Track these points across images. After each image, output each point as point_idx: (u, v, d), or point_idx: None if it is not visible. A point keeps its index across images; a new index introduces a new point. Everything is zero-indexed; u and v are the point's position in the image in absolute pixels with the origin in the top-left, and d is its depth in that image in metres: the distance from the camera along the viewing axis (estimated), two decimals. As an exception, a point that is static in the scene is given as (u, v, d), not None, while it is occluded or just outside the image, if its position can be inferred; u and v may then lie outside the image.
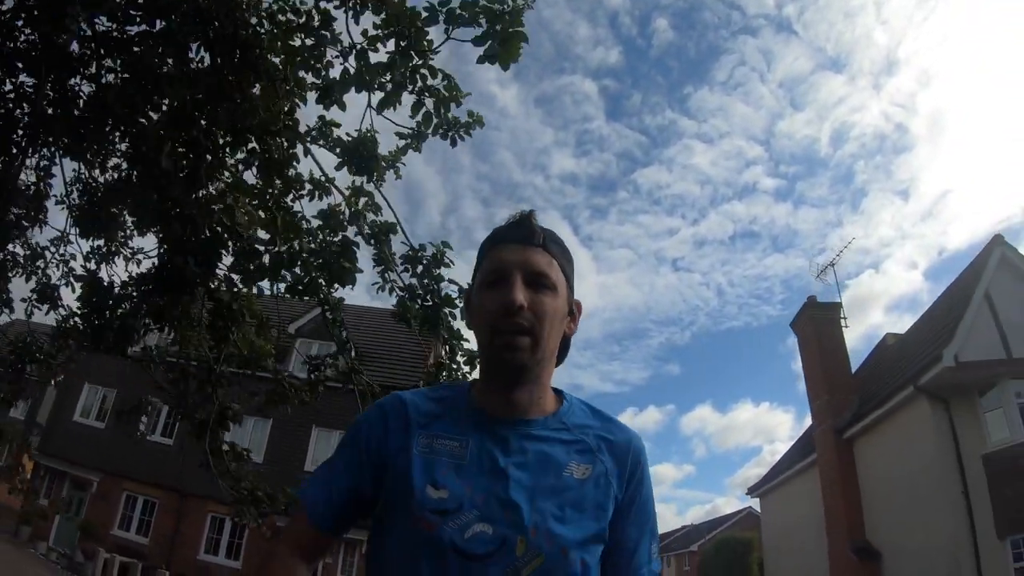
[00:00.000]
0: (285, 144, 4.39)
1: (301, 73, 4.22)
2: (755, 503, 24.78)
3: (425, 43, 3.64)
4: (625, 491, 1.12)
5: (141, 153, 4.26)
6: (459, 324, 4.46)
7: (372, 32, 3.70)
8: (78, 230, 5.67)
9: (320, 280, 4.48)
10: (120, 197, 5.15)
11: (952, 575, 11.60)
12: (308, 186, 4.73)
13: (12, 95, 4.42)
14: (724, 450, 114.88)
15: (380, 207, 4.64)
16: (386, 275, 4.60)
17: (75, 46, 4.43)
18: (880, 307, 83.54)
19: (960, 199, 75.59)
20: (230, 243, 4.26)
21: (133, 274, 5.16)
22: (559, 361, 1.20)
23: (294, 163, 4.51)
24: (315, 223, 4.54)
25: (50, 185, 5.55)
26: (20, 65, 4.27)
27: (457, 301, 4.38)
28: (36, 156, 5.32)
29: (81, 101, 4.53)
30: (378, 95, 3.91)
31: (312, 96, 4.18)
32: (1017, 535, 11.15)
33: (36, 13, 4.04)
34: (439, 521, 1.01)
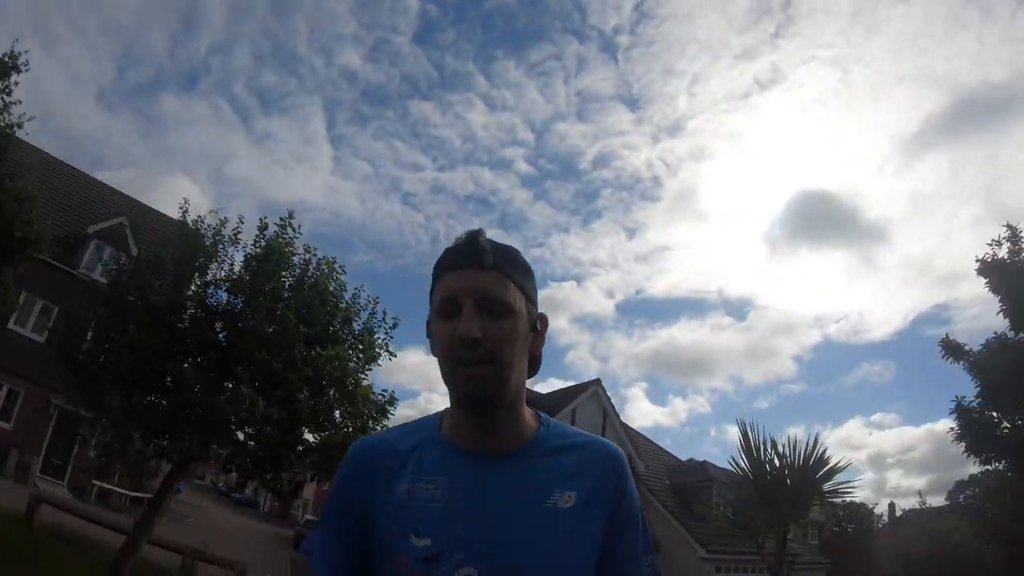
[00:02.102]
0: None
1: None
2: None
3: None
4: (614, 509, 1.08)
5: None
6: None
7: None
8: None
9: None
10: None
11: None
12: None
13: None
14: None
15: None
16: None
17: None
18: (568, 316, 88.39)
19: (673, 259, 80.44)
20: None
21: None
22: (530, 374, 1.16)
23: None
24: None
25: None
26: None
27: None
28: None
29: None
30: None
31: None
32: None
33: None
34: (426, 569, 0.99)
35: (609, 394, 23.46)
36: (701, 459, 27.04)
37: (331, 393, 8.81)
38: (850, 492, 10.49)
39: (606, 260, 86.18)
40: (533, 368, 1.15)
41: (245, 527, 26.10)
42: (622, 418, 23.78)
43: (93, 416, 8.54)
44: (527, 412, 1.13)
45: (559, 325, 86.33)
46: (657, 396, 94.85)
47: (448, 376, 1.05)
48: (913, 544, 28.98)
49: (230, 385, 7.98)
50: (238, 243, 9.10)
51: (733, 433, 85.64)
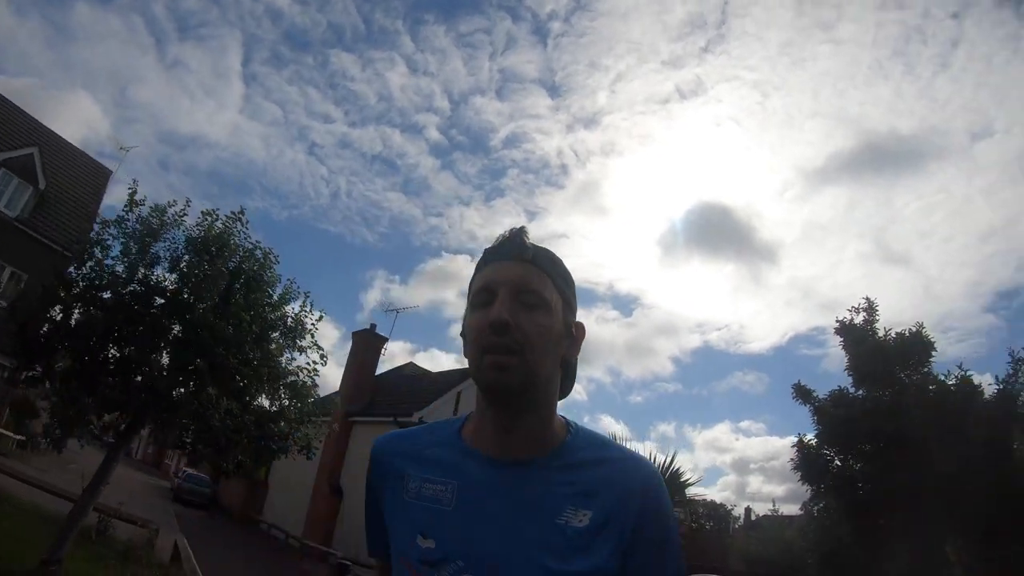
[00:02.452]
0: None
1: None
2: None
3: None
4: (633, 538, 0.99)
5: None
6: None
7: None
8: None
9: None
10: None
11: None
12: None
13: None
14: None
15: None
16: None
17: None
18: (457, 289, 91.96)
19: (569, 247, 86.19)
20: None
21: None
22: (564, 390, 1.12)
23: None
24: None
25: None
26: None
27: None
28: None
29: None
30: None
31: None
32: None
33: None
34: (428, 572, 0.99)
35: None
36: None
37: (281, 392, 9.48)
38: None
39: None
40: (568, 379, 1.13)
41: (127, 477, 25.98)
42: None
43: (39, 374, 8.77)
44: (556, 420, 1.08)
45: (447, 297, 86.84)
46: None
47: (474, 365, 1.02)
48: (762, 546, 31.90)
49: (191, 380, 8.48)
50: (180, 225, 9.23)
51: (606, 423, 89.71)
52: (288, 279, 9.91)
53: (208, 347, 8.37)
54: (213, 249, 8.98)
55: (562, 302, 1.08)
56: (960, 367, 16.91)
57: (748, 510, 48.64)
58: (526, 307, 1.02)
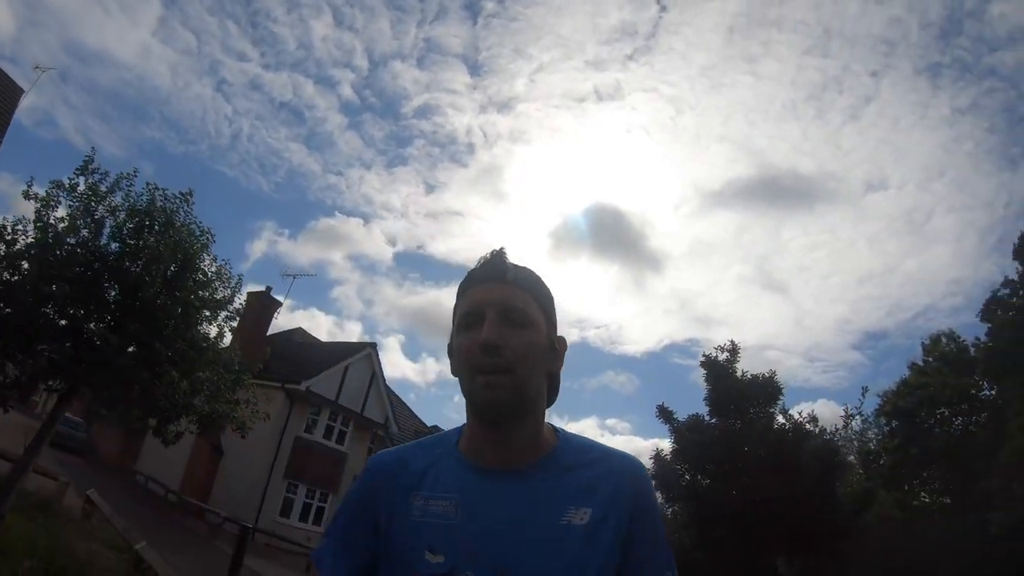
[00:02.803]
0: None
1: None
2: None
3: None
4: (630, 528, 1.05)
5: None
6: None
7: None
8: None
9: None
10: None
11: (259, 471, 20.88)
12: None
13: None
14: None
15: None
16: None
17: None
18: (345, 251, 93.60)
19: (462, 225, 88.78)
20: None
21: None
22: (550, 400, 1.16)
23: None
24: None
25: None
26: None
27: None
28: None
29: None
30: None
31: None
32: (292, 479, 21.90)
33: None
34: None
35: (367, 338, 25.72)
36: (443, 424, 29.74)
37: (220, 371, 10.03)
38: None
39: (398, 207, 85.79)
40: (552, 390, 1.16)
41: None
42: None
43: None
44: (545, 428, 1.13)
45: (334, 259, 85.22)
46: (412, 351, 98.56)
47: (466, 385, 1.07)
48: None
49: (140, 354, 8.79)
50: (116, 192, 9.29)
51: None
52: (224, 261, 10.30)
53: (158, 326, 8.72)
54: (157, 225, 9.18)
55: (545, 319, 1.13)
56: (800, 415, 19.89)
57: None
58: (512, 326, 1.06)
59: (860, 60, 78.92)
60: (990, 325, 23.19)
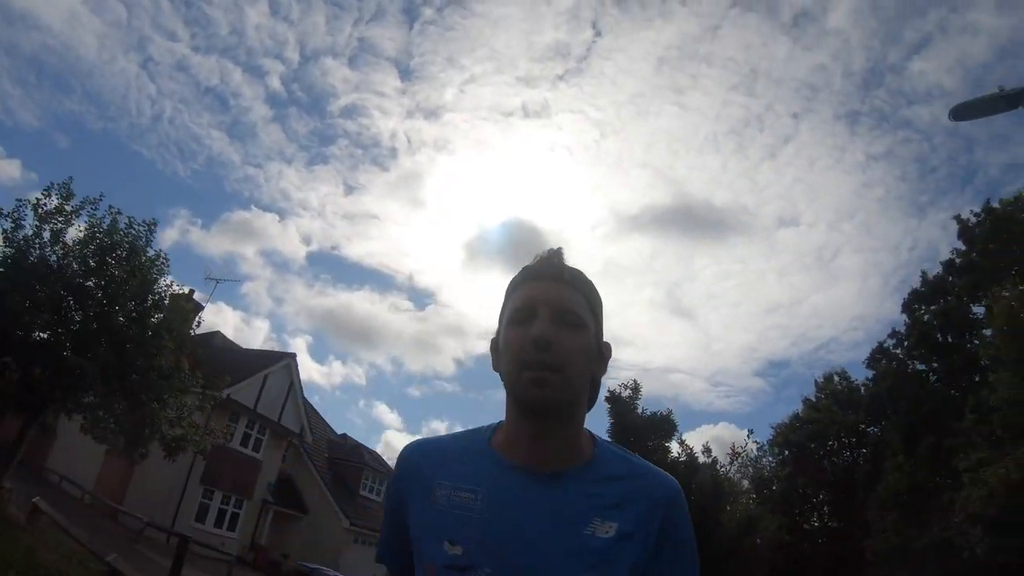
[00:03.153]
0: None
1: None
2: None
3: None
4: (657, 549, 1.04)
5: None
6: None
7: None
8: None
9: None
10: None
11: (176, 475, 20.36)
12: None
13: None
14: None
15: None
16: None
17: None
18: (258, 247, 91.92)
19: (379, 229, 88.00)
20: None
21: None
22: (589, 405, 1.15)
23: None
24: None
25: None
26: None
27: None
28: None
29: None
30: None
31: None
32: (208, 485, 22.02)
33: None
34: None
35: (275, 337, 25.92)
36: (352, 433, 31.13)
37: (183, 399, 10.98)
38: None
39: (315, 206, 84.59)
40: (593, 397, 1.16)
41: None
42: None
43: None
44: (583, 434, 1.12)
45: (246, 253, 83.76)
46: (319, 353, 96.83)
47: (512, 380, 1.06)
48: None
49: (112, 381, 9.37)
50: (80, 214, 9.79)
51: (381, 411, 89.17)
52: (180, 288, 11.26)
53: (128, 355, 9.36)
54: (119, 250, 9.75)
55: (595, 323, 1.12)
56: (692, 448, 21.60)
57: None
58: (565, 326, 1.05)
59: (783, 101, 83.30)
60: (874, 372, 25.36)
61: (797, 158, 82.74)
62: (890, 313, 62.91)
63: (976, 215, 22.12)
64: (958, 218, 22.84)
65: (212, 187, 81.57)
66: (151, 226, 10.36)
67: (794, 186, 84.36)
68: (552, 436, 1.06)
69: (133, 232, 10.08)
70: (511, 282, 1.17)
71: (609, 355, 1.17)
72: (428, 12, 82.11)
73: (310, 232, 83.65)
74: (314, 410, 30.93)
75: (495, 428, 1.16)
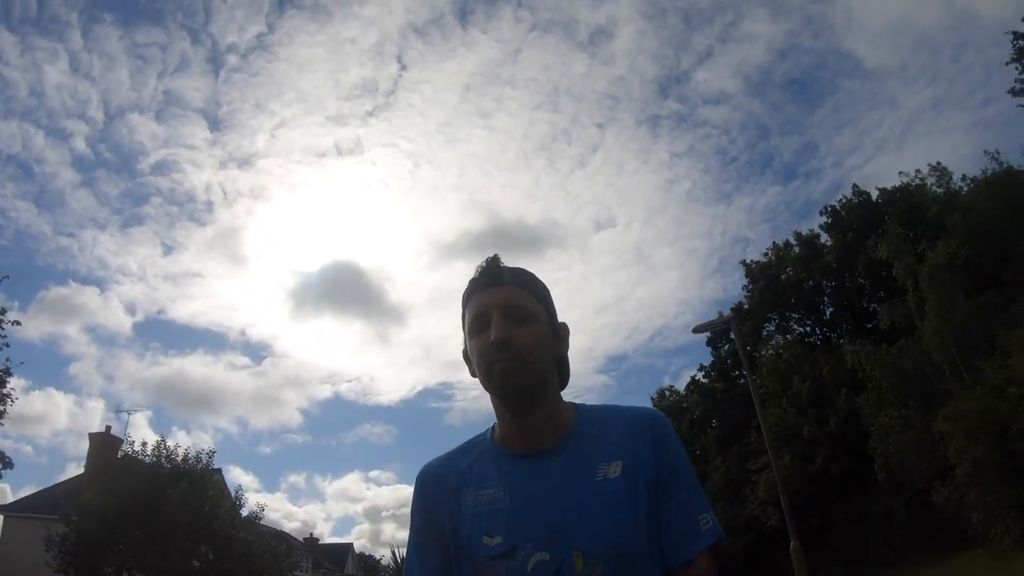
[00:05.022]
0: None
1: None
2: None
3: None
4: (657, 470, 1.18)
5: None
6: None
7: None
8: None
9: None
10: None
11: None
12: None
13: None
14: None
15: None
16: None
17: None
18: (82, 323, 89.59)
19: (203, 287, 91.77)
20: None
21: None
22: (563, 382, 1.32)
23: None
24: None
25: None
26: None
27: None
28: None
29: None
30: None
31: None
32: None
33: None
34: (501, 565, 1.13)
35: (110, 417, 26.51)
36: None
37: None
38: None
39: (135, 271, 79.96)
40: (564, 374, 1.32)
41: None
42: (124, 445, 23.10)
43: None
44: (564, 406, 1.28)
45: (68, 332, 78.59)
46: (161, 426, 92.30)
47: (486, 380, 1.22)
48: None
49: None
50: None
51: (236, 474, 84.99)
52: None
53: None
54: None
55: (544, 310, 1.28)
56: None
57: (394, 552, 54.47)
58: (517, 322, 1.20)
59: (587, 113, 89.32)
60: (690, 400, 34.33)
61: (606, 164, 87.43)
62: (712, 292, 70.23)
63: (755, 262, 30.93)
64: (744, 263, 31.70)
65: (23, 263, 73.94)
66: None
67: (606, 191, 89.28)
68: (535, 416, 1.21)
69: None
70: (464, 295, 1.31)
71: (567, 334, 1.33)
72: (233, 59, 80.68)
73: (133, 299, 78.40)
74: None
75: (492, 429, 1.31)
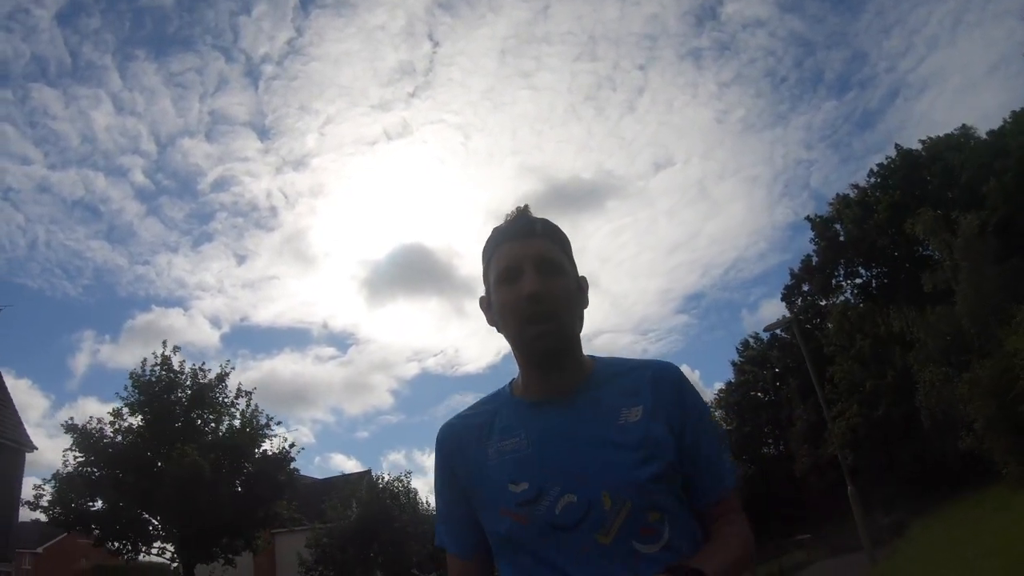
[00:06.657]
0: None
1: None
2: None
3: None
4: (683, 417, 1.21)
5: None
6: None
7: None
8: None
9: None
10: None
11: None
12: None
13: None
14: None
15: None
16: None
17: None
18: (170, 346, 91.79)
19: (280, 288, 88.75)
20: None
21: None
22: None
23: None
24: None
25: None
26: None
27: None
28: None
29: None
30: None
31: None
32: None
33: None
34: (529, 510, 1.14)
35: None
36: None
37: None
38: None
39: (213, 284, 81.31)
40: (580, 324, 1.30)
41: None
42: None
43: None
44: (585, 358, 1.29)
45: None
46: None
47: (516, 336, 1.23)
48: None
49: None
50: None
51: (338, 461, 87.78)
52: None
53: None
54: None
55: (571, 264, 1.29)
56: None
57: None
58: (549, 275, 1.21)
59: (627, 57, 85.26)
60: (771, 354, 37.49)
61: (655, 104, 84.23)
62: (783, 217, 69.17)
63: (819, 216, 33.46)
64: (808, 218, 34.10)
65: (107, 298, 77.53)
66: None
67: (659, 131, 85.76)
68: (560, 371, 1.23)
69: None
70: (487, 244, 1.31)
71: (587, 287, 1.32)
72: (269, 68, 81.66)
73: (216, 312, 79.48)
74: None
75: (511, 383, 1.32)
